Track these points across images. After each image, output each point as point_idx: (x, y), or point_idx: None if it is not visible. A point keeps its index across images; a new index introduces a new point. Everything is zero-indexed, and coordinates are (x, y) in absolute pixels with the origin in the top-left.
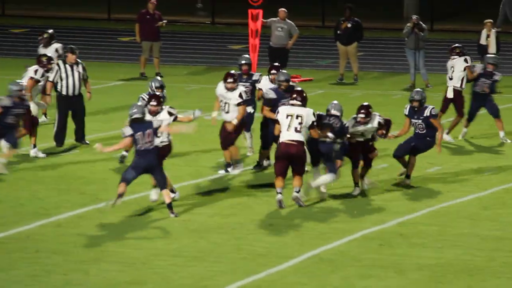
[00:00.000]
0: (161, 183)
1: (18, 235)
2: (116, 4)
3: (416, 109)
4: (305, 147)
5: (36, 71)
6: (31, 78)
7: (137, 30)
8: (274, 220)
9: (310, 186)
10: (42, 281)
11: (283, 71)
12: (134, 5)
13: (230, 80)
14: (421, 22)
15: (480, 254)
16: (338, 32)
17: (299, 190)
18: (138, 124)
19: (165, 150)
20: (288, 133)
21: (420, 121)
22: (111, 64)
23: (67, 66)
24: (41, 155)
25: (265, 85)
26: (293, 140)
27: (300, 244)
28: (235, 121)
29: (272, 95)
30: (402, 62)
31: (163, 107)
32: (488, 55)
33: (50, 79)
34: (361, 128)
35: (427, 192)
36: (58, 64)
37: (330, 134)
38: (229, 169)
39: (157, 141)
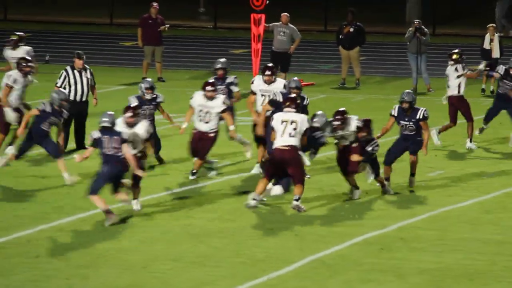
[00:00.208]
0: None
1: (18, 239)
2: (118, 8)
3: (405, 110)
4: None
5: (9, 77)
6: (6, 84)
7: (139, 34)
8: (274, 225)
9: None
10: (42, 286)
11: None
12: (136, 9)
13: (209, 88)
14: (423, 27)
15: (481, 258)
16: (340, 36)
17: (299, 198)
18: (107, 131)
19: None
20: (282, 139)
21: (411, 123)
22: (113, 68)
23: (76, 72)
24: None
25: (258, 85)
26: (287, 146)
27: (300, 248)
28: (232, 128)
29: (280, 98)
30: (404, 66)
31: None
32: None
33: (58, 84)
34: (338, 133)
35: (428, 196)
36: (66, 70)
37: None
38: (192, 177)
39: (135, 151)
